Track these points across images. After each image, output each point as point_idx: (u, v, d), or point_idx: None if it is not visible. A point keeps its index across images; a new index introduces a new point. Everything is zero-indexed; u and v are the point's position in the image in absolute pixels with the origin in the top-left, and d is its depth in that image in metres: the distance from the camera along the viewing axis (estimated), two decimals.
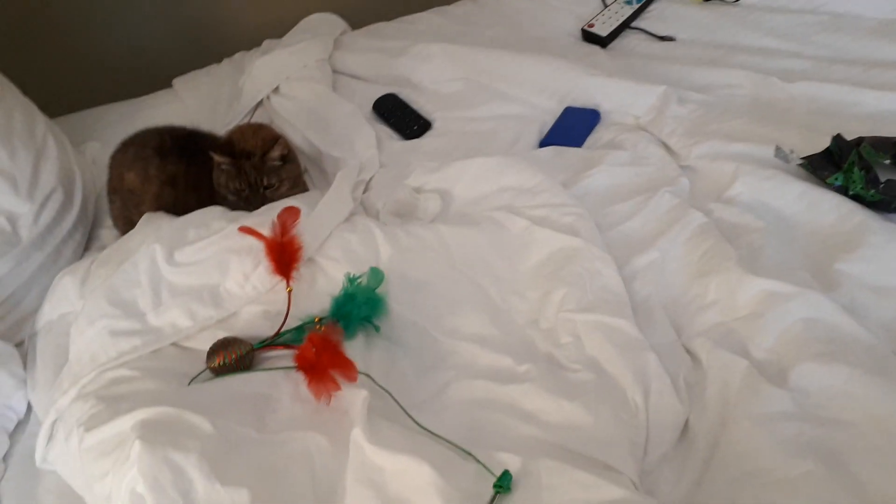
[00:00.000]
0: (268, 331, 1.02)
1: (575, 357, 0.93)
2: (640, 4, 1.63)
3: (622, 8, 1.63)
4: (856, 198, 1.03)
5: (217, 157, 1.16)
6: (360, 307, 1.02)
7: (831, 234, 1.01)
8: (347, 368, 0.89)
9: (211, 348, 0.97)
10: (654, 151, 1.26)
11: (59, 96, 1.62)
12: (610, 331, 0.95)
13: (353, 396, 0.88)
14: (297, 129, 1.41)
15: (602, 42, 1.58)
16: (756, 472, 0.76)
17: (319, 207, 1.13)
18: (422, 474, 0.76)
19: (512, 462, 0.78)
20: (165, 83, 1.74)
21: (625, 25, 1.60)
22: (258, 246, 1.06)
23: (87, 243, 1.34)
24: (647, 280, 1.04)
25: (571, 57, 1.50)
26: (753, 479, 0.76)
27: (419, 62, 1.55)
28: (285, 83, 1.51)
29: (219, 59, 1.78)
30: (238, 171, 1.16)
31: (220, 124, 1.51)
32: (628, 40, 1.60)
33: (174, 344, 1.00)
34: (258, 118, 1.51)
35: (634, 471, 0.79)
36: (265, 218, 1.08)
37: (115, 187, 1.25)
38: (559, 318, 0.99)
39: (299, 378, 0.91)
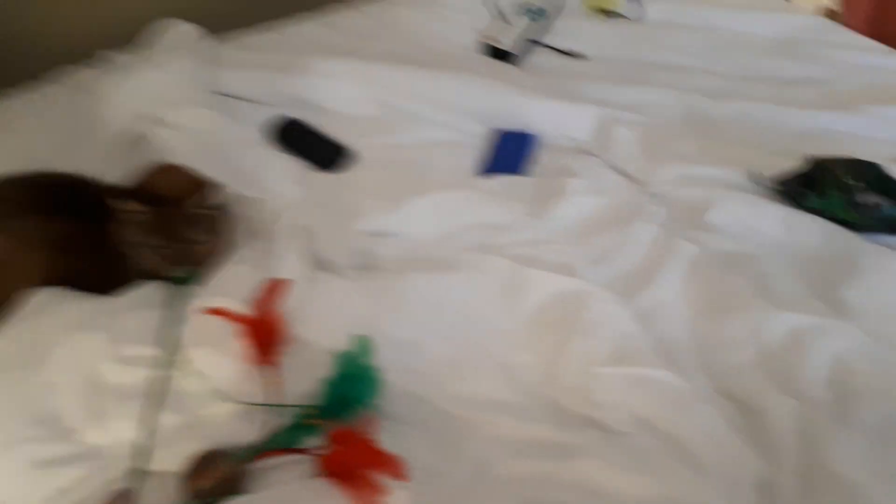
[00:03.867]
0: (251, 435, 0.84)
1: (623, 419, 0.88)
2: (543, 19, 1.63)
3: (526, 23, 1.61)
4: (832, 219, 1.10)
5: (132, 207, 0.93)
6: (359, 388, 0.88)
7: (821, 257, 1.07)
8: (393, 466, 0.77)
9: (189, 469, 0.78)
10: (610, 178, 1.25)
11: None
12: (650, 384, 0.91)
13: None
14: (194, 166, 1.19)
15: (509, 58, 1.55)
16: None
17: (278, 268, 0.96)
18: None
19: None
20: None
21: (531, 41, 1.59)
22: (215, 328, 0.88)
23: None
24: (657, 321, 1.02)
25: (488, 75, 1.45)
26: None
27: (319, 80, 1.40)
28: (165, 110, 1.27)
29: (24, 77, 1.46)
30: (159, 222, 0.94)
31: (80, 161, 1.23)
32: (537, 57, 1.58)
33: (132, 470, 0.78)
34: (136, 153, 1.26)
35: None
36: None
37: None
38: (587, 373, 0.93)
39: (325, 489, 0.76)
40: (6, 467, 0.75)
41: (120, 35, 1.50)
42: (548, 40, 1.62)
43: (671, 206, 1.19)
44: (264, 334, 0.86)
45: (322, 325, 0.95)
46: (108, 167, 1.24)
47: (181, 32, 1.49)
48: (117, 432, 0.80)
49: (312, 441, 0.84)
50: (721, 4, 1.71)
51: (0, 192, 0.98)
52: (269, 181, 1.19)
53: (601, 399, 0.91)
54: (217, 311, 0.87)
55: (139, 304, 0.92)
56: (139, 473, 0.69)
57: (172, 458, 0.80)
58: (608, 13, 1.69)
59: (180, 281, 0.95)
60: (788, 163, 1.18)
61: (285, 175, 1.22)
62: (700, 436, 0.85)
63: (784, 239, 1.10)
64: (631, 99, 1.42)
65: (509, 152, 1.32)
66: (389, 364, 0.91)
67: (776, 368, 0.93)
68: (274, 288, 0.90)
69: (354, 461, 0.77)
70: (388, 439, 0.86)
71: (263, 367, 0.86)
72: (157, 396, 0.81)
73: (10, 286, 0.95)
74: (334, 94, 1.40)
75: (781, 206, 1.13)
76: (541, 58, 1.58)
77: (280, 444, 0.83)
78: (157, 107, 1.27)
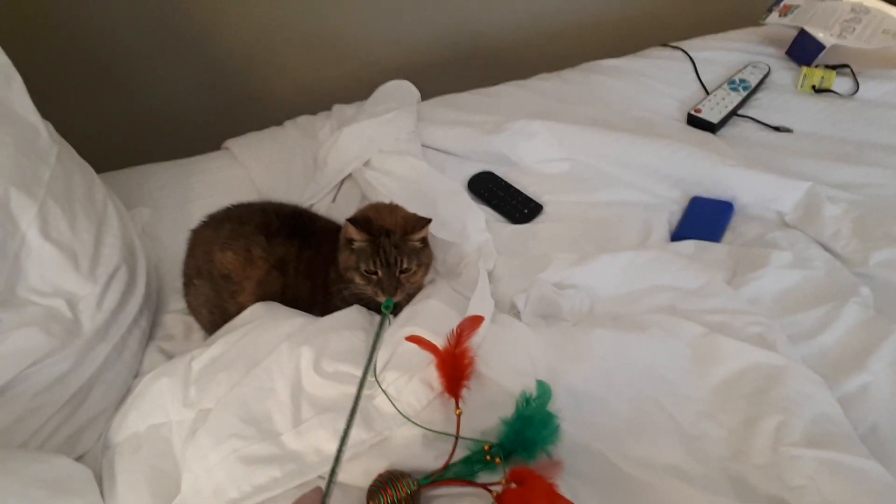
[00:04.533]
0: (428, 461, 0.86)
1: None
2: (747, 92, 1.59)
3: (728, 95, 1.59)
4: None
5: (353, 233, 1.02)
6: (537, 431, 0.88)
7: None
8: None
9: (373, 485, 0.82)
10: (817, 254, 1.18)
11: (93, 152, 1.46)
12: (850, 472, 0.83)
13: None
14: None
15: (712, 128, 1.52)
16: None
17: (472, 308, 1.00)
18: None
19: None
20: (208, 144, 1.60)
21: (733, 113, 1.56)
22: (411, 355, 0.93)
23: (151, 331, 1.16)
24: (864, 409, 0.93)
25: (687, 141, 1.43)
26: None
27: (520, 139, 1.45)
28: (377, 156, 1.39)
29: (267, 123, 1.65)
30: (374, 249, 1.02)
31: (295, 194, 1.37)
32: (739, 129, 1.55)
33: (321, 477, 0.83)
34: (347, 192, 1.38)
35: None
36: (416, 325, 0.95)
37: (201, 269, 1.09)
38: (781, 453, 0.87)
39: None
40: (216, 456, 0.83)
41: (352, 90, 1.68)
42: (752, 113, 1.58)
43: (884, 290, 1.10)
44: (455, 367, 0.89)
45: (506, 366, 0.96)
46: (322, 203, 1.38)
47: (402, 90, 1.63)
48: (314, 441, 0.85)
49: (488, 476, 0.85)
50: None
51: (237, 215, 1.11)
52: (465, 228, 1.25)
53: (796, 483, 0.84)
54: (415, 339, 0.92)
55: (344, 325, 0.99)
56: (330, 482, 0.73)
57: (357, 473, 0.84)
58: (818, 90, 1.61)
59: (386, 307, 1.02)
60: None
61: (480, 224, 1.26)
62: None
63: None
64: (841, 176, 1.34)
65: (705, 219, 1.29)
66: (567, 414, 0.91)
67: None
68: (469, 324, 0.93)
69: (533, 502, 0.77)
70: (562, 489, 0.85)
71: (449, 397, 0.89)
72: (352, 412, 0.86)
73: (234, 298, 1.06)
74: (529, 152, 1.45)
75: None
76: (745, 130, 1.54)
77: (458, 474, 0.85)
78: (371, 153, 1.39)
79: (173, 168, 1.49)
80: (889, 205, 1.28)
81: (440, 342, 0.92)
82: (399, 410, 0.88)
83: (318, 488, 0.70)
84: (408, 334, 0.94)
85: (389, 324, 1.00)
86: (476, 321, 0.94)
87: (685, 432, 0.93)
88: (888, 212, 1.24)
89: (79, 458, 0.97)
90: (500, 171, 1.44)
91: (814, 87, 1.62)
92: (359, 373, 0.89)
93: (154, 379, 0.96)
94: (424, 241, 1.06)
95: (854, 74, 1.63)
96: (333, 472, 0.76)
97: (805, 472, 0.84)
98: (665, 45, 1.87)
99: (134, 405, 0.95)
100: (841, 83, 1.63)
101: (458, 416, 0.88)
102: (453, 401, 0.90)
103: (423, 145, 1.49)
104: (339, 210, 1.31)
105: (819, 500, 0.82)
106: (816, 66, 1.66)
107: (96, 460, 0.95)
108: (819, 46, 1.68)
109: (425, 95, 1.69)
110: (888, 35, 1.64)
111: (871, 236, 1.18)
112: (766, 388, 0.94)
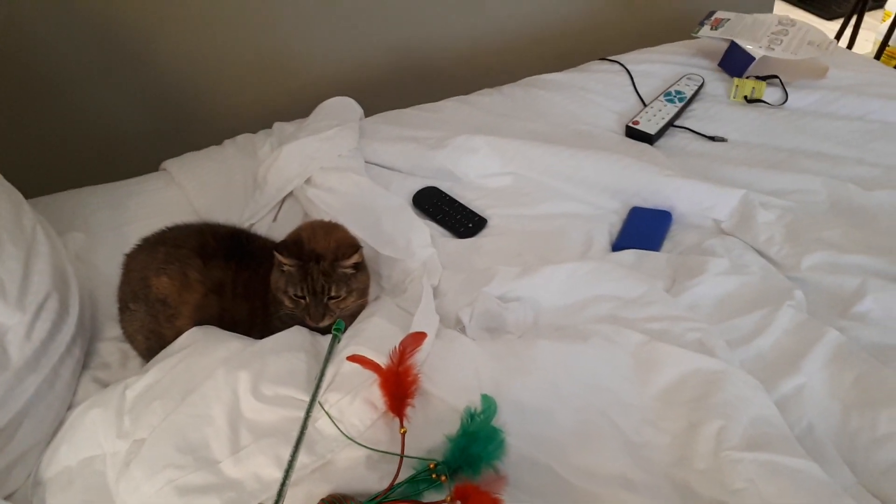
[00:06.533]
0: (373, 482, 0.84)
1: None
2: (682, 103, 1.62)
3: (665, 106, 1.62)
4: None
5: (280, 258, 0.99)
6: (483, 447, 0.87)
7: None
8: None
9: None
10: (753, 260, 1.20)
11: (23, 176, 1.41)
12: (792, 474, 0.84)
13: None
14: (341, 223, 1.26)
15: (650, 140, 1.55)
16: None
17: (416, 325, 0.99)
18: None
19: None
20: (146, 165, 1.56)
21: (669, 124, 1.59)
22: (353, 375, 0.91)
23: (86, 360, 1.12)
24: (800, 410, 0.95)
25: (625, 153, 1.45)
26: None
27: (462, 154, 1.45)
28: (319, 173, 1.37)
29: (207, 142, 1.62)
30: (303, 275, 1.00)
31: (235, 215, 1.34)
32: (676, 139, 1.57)
33: None
34: (288, 210, 1.36)
35: None
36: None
37: (136, 294, 1.05)
38: (721, 457, 0.87)
39: None
40: (150, 488, 0.79)
41: (294, 108, 1.65)
42: (688, 123, 1.61)
43: (816, 293, 1.12)
44: (398, 386, 0.87)
45: (451, 382, 0.95)
46: (263, 222, 1.35)
47: (344, 107, 1.61)
48: (253, 468, 0.82)
49: (434, 495, 0.84)
50: (872, 94, 1.63)
51: (172, 237, 1.08)
52: (410, 243, 1.23)
53: (737, 486, 0.85)
54: (357, 359, 0.90)
55: (284, 346, 0.96)
56: None
57: (299, 498, 0.82)
58: (750, 100, 1.66)
59: (337, 329, 1.00)
60: None
61: (425, 240, 1.25)
62: None
63: None
64: (774, 183, 1.38)
65: (645, 228, 1.31)
66: (512, 428, 0.90)
67: None
68: (412, 341, 0.92)
69: None
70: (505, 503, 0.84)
71: (393, 416, 0.87)
72: (296, 437, 0.83)
73: (171, 323, 1.03)
74: (472, 167, 1.45)
75: None
76: (681, 141, 1.57)
77: (403, 494, 0.83)
78: (312, 170, 1.37)
79: (109, 191, 1.45)
80: (819, 210, 1.32)
81: (383, 361, 0.90)
82: (343, 432, 0.86)
83: None
84: (350, 354, 0.92)
85: (338, 342, 0.98)
86: (418, 337, 0.93)
87: (629, 440, 0.93)
88: (818, 217, 1.28)
89: (8, 497, 0.92)
90: (445, 186, 1.43)
91: (745, 97, 1.67)
92: (300, 396, 0.87)
93: (86, 410, 0.92)
94: (357, 266, 1.04)
95: (783, 85, 1.68)
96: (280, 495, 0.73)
97: (745, 475, 0.85)
98: (604, 58, 1.90)
99: (65, 438, 0.90)
100: (771, 93, 1.68)
101: (403, 434, 0.86)
102: (398, 420, 0.89)
103: (367, 162, 1.47)
104: (281, 229, 1.27)
105: (759, 501, 0.82)
106: (748, 77, 1.70)
107: (26, 499, 0.91)
108: (749, 58, 1.73)
109: (368, 112, 1.68)
110: (813, 46, 1.70)
111: (802, 241, 1.20)
112: (706, 394, 0.95)
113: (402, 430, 0.86)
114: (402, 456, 0.85)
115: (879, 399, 0.93)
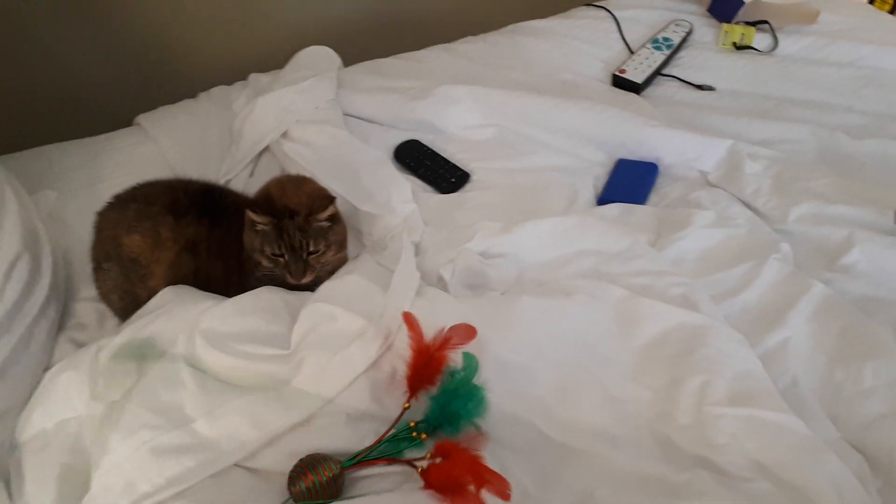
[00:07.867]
0: (353, 442, 0.84)
1: (740, 462, 0.82)
2: (670, 51, 1.59)
3: (652, 54, 1.58)
4: None
5: (253, 216, 0.97)
6: (464, 405, 0.87)
7: None
8: (497, 484, 0.75)
9: (293, 471, 0.79)
10: (739, 212, 1.19)
11: None
12: (772, 428, 0.84)
13: None
14: (319, 180, 1.23)
15: (636, 89, 1.51)
16: None
17: (395, 283, 0.97)
18: None
19: None
20: (118, 120, 1.51)
21: (657, 72, 1.55)
22: (329, 333, 0.89)
23: (61, 321, 1.10)
24: (785, 364, 0.95)
25: (611, 103, 1.41)
26: None
27: (444, 105, 1.41)
28: (295, 126, 1.33)
29: (181, 95, 1.57)
30: (278, 232, 0.97)
31: (211, 170, 1.31)
32: (663, 88, 1.54)
33: (238, 465, 0.79)
34: (265, 165, 1.32)
35: None
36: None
37: (109, 253, 1.02)
38: (704, 412, 0.87)
39: (427, 500, 0.75)
40: (125, 450, 0.78)
41: (270, 59, 1.60)
42: (675, 72, 1.57)
43: (803, 245, 1.11)
44: (427, 366, 0.86)
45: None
46: (239, 177, 1.32)
47: (321, 57, 1.56)
48: (229, 427, 0.81)
49: (414, 453, 0.83)
50: (863, 39, 1.60)
51: (143, 194, 1.04)
52: (390, 199, 1.21)
53: (719, 441, 0.85)
54: (409, 317, 0.90)
55: (255, 306, 0.95)
56: None
57: (278, 458, 0.81)
58: (739, 47, 1.62)
59: (305, 288, 0.98)
60: None
61: (406, 195, 1.23)
62: (824, 487, 0.77)
63: None
64: (761, 133, 1.35)
65: (630, 181, 1.29)
66: (495, 385, 0.90)
67: None
68: (462, 334, 0.90)
69: (459, 475, 0.76)
70: (488, 460, 0.84)
71: (405, 390, 0.87)
72: (272, 396, 0.82)
73: (143, 282, 1.01)
74: (454, 119, 1.41)
75: None
76: (668, 90, 1.54)
77: (383, 453, 0.83)
78: (289, 124, 1.33)
79: (81, 147, 1.40)
80: (807, 159, 1.30)
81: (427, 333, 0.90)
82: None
83: None
84: (323, 310, 0.90)
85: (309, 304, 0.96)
86: (469, 333, 0.91)
87: (611, 396, 0.93)
88: (806, 166, 1.26)
89: None
90: (427, 139, 1.40)
91: (735, 43, 1.63)
92: (269, 352, 0.86)
93: (59, 372, 0.90)
94: (333, 218, 1.01)
95: (773, 30, 1.64)
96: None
97: (727, 430, 0.85)
98: (590, 3, 1.85)
99: (39, 401, 0.89)
100: (761, 39, 1.64)
101: (405, 408, 0.86)
102: (378, 379, 0.88)
103: (346, 114, 1.43)
104: (257, 185, 1.22)
105: (741, 456, 0.83)
106: (737, 23, 1.66)
107: (3, 462, 0.90)
108: (738, 3, 1.69)
109: (347, 62, 1.63)
110: None
111: (789, 192, 1.19)
112: (689, 349, 0.94)
113: (406, 405, 0.86)
114: (392, 427, 0.85)
115: (864, 352, 0.93)
